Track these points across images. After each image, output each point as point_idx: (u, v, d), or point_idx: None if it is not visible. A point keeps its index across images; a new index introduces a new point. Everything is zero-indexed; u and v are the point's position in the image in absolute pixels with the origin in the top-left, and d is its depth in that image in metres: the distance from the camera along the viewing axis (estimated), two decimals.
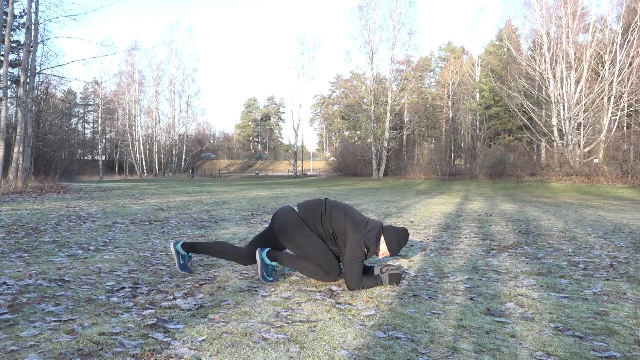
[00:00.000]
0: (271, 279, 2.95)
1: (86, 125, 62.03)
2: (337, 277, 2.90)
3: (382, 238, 2.92)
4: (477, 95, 37.04)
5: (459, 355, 1.83)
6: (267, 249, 2.98)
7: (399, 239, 2.93)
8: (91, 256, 3.70)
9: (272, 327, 2.09)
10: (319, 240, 2.88)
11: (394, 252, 2.95)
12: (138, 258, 3.66)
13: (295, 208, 2.97)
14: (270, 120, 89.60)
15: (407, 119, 45.16)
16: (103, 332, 1.98)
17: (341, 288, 2.82)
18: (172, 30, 61.75)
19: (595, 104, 25.10)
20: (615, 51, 25.03)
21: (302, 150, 53.09)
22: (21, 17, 20.08)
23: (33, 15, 14.60)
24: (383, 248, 2.94)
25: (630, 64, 24.52)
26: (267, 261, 2.95)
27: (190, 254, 3.16)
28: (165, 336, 1.95)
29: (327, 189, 19.20)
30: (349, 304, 2.49)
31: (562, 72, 25.81)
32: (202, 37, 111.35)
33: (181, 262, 3.11)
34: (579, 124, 25.20)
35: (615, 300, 2.63)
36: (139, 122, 49.57)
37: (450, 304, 2.51)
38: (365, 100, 39.33)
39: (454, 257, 3.92)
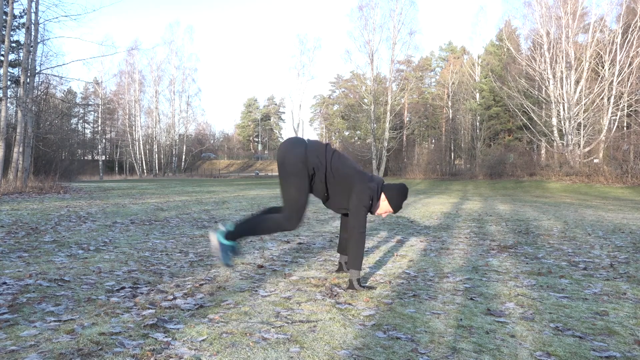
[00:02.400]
0: (231, 263, 2.82)
1: (86, 125, 62.00)
2: (297, 226, 2.79)
3: (382, 195, 2.89)
4: (477, 95, 37.05)
5: (459, 355, 1.83)
6: (222, 231, 2.80)
7: (399, 194, 2.90)
8: (91, 256, 3.70)
9: (272, 327, 2.09)
10: (306, 188, 2.76)
11: (397, 207, 2.92)
12: (138, 258, 3.66)
13: (306, 143, 2.82)
14: (270, 120, 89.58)
15: (407, 119, 45.17)
16: (103, 332, 1.98)
17: (341, 288, 2.82)
18: (172, 30, 61.70)
19: (595, 104, 25.09)
20: (615, 51, 25.03)
21: None
22: (21, 17, 20.07)
23: (33, 15, 14.60)
24: (384, 206, 2.90)
25: (630, 64, 24.52)
26: (227, 242, 2.80)
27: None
28: (165, 336, 1.95)
29: None
30: (349, 304, 2.49)
31: (562, 72, 25.81)
32: (202, 37, 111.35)
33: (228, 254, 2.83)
34: (579, 124, 25.20)
35: (615, 300, 2.63)
36: (139, 122, 49.57)
37: (450, 304, 2.51)
38: (365, 100, 39.33)
39: (454, 257, 3.92)
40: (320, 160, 2.77)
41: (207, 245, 4.33)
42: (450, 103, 39.82)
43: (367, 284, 2.91)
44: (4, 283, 2.76)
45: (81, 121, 58.81)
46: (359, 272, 2.76)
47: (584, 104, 24.97)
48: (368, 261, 3.69)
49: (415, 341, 1.96)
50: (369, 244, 4.57)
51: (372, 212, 2.92)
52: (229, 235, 2.79)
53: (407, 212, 8.13)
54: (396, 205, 2.91)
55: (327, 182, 2.80)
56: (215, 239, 2.79)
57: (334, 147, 2.95)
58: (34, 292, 2.60)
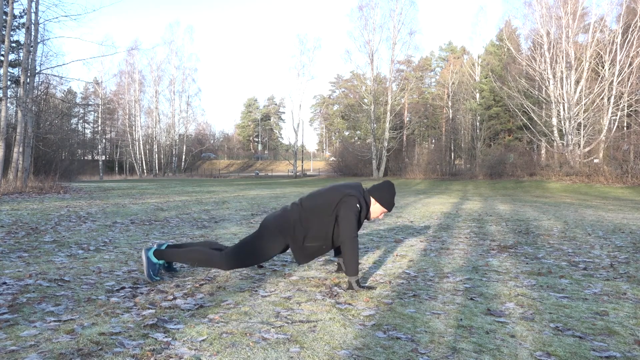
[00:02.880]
0: (158, 278, 2.90)
1: (86, 125, 62.00)
2: (229, 270, 2.89)
3: (371, 199, 2.88)
4: (477, 95, 37.05)
5: (459, 355, 1.83)
6: (153, 248, 2.91)
7: (387, 191, 2.90)
8: (91, 256, 3.70)
9: (272, 327, 2.09)
10: (265, 254, 2.82)
11: (390, 204, 2.92)
12: (138, 258, 3.66)
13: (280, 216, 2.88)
14: (270, 120, 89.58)
15: (407, 119, 45.16)
16: (103, 332, 1.98)
17: (341, 288, 2.82)
18: (172, 30, 61.70)
19: (595, 104, 25.09)
20: (615, 51, 25.03)
21: (302, 150, 53.09)
22: (21, 17, 20.07)
23: (33, 15, 14.60)
24: (376, 209, 2.90)
25: (630, 64, 24.52)
26: (155, 260, 2.89)
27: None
28: (165, 336, 1.95)
29: None
30: (349, 304, 2.49)
31: (562, 72, 25.81)
32: (202, 37, 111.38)
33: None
34: (579, 124, 25.20)
35: (615, 300, 2.63)
36: (139, 122, 49.56)
37: (450, 304, 2.51)
38: (365, 100, 39.33)
39: (454, 257, 3.92)
40: (293, 217, 2.81)
41: None
42: (450, 103, 39.82)
43: (366, 284, 2.91)
44: (4, 283, 2.76)
45: (81, 121, 58.81)
46: (356, 276, 2.75)
47: (584, 104, 24.97)
48: (368, 261, 3.69)
49: (415, 341, 1.96)
50: (369, 244, 4.57)
51: (368, 219, 2.92)
52: (157, 254, 2.89)
53: (407, 213, 8.13)
54: (388, 203, 2.91)
55: (309, 222, 2.77)
56: (144, 254, 2.89)
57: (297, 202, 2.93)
58: (34, 292, 2.60)
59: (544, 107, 27.83)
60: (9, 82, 16.48)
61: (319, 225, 2.77)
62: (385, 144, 35.85)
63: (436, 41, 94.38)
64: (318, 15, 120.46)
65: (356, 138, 52.34)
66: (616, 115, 25.61)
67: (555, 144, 27.03)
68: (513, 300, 2.62)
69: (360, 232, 5.43)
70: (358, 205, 2.77)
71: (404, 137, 41.68)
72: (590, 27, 25.83)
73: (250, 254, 2.83)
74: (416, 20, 66.11)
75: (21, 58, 16.22)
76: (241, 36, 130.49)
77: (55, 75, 22.79)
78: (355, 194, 2.79)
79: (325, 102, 73.33)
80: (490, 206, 10.23)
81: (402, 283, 2.97)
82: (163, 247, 2.94)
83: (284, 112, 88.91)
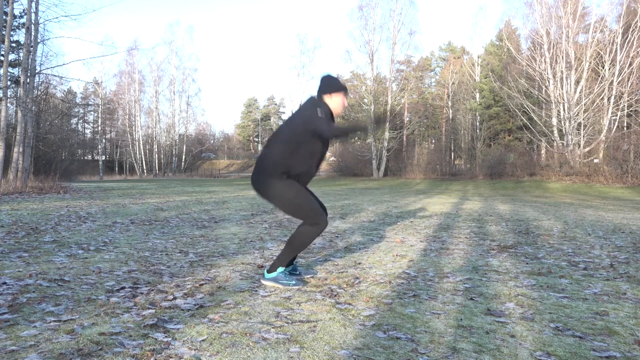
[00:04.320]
0: (294, 282, 2.85)
1: (86, 125, 61.97)
2: (326, 219, 2.86)
3: (324, 97, 2.90)
4: (477, 95, 37.04)
5: (459, 355, 1.83)
6: (265, 271, 2.93)
7: (329, 80, 2.93)
8: (91, 256, 3.70)
9: (272, 327, 2.09)
10: (291, 187, 2.79)
11: (340, 87, 2.92)
12: (138, 258, 3.66)
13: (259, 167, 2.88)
14: (270, 120, 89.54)
15: (407, 119, 45.15)
16: (103, 332, 1.98)
17: (341, 288, 2.82)
18: (172, 30, 61.71)
19: (595, 104, 25.10)
20: (616, 51, 25.03)
21: None
22: (21, 17, 20.07)
23: (33, 15, 14.60)
24: (335, 101, 2.91)
25: (631, 64, 24.52)
26: (273, 275, 2.87)
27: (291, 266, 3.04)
28: (165, 336, 1.95)
29: (327, 189, 19.19)
30: (349, 304, 2.49)
31: (562, 72, 25.81)
32: (202, 37, 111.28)
33: (292, 281, 2.88)
34: (579, 124, 25.20)
35: (615, 300, 2.63)
36: (139, 122, 49.55)
37: (450, 304, 2.51)
38: (365, 100, 39.33)
39: (454, 257, 3.92)
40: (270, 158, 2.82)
41: (207, 245, 4.33)
42: (450, 103, 39.81)
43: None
44: (4, 283, 2.76)
45: (81, 121, 58.80)
46: (364, 126, 2.79)
47: (584, 104, 24.97)
48: (368, 261, 3.69)
49: (415, 341, 1.96)
50: (369, 243, 4.57)
51: (335, 119, 2.93)
52: (270, 269, 2.89)
53: (406, 212, 8.13)
54: (338, 87, 2.91)
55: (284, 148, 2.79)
56: (265, 281, 2.88)
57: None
58: (34, 292, 2.60)
59: (544, 107, 27.83)
60: (9, 82, 16.47)
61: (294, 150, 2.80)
62: (385, 144, 35.85)
63: (436, 41, 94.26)
64: (318, 15, 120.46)
65: (356, 138, 52.31)
66: (616, 115, 25.62)
67: (555, 144, 27.04)
68: (513, 300, 2.62)
69: (360, 232, 5.43)
70: (320, 113, 2.76)
71: (404, 137, 41.67)
72: (590, 27, 25.83)
73: (305, 209, 2.81)
74: (416, 20, 66.02)
75: (21, 58, 16.22)
76: (241, 36, 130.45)
77: (55, 75, 22.79)
78: (314, 109, 2.79)
79: None
80: (490, 206, 10.23)
81: (402, 283, 2.97)
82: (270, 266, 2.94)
83: (284, 112, 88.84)
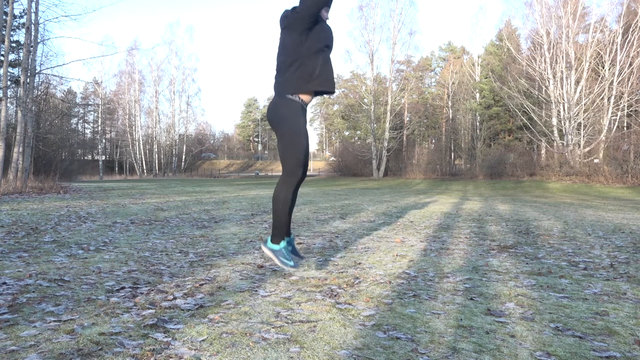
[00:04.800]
0: (292, 263, 2.78)
1: (86, 125, 61.99)
2: (302, 173, 2.79)
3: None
4: (477, 95, 37.06)
5: (459, 355, 1.83)
6: (269, 238, 2.88)
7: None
8: (91, 256, 3.70)
9: (272, 327, 2.09)
10: (296, 124, 2.74)
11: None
12: (138, 258, 3.66)
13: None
14: None
15: (407, 119, 45.14)
16: (103, 332, 1.98)
17: (341, 288, 2.82)
18: (172, 30, 61.87)
19: (595, 104, 25.11)
20: (616, 51, 25.04)
21: None
22: (21, 17, 20.07)
23: (33, 15, 14.60)
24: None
25: (631, 64, 24.53)
26: (276, 247, 2.80)
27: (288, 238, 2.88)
28: (165, 336, 1.95)
29: (327, 189, 19.19)
30: (349, 304, 2.49)
31: (562, 72, 25.82)
32: (202, 37, 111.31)
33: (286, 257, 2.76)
34: (579, 124, 25.21)
35: (616, 300, 2.63)
36: (139, 122, 49.59)
37: (450, 304, 2.51)
38: (365, 100, 39.33)
39: (454, 257, 3.92)
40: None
41: (207, 245, 4.33)
42: (450, 103, 39.83)
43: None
44: (4, 283, 2.76)
45: (81, 121, 58.81)
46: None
47: (584, 104, 24.98)
48: (368, 261, 3.69)
49: (415, 341, 1.96)
50: (369, 243, 4.58)
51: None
52: (273, 239, 2.81)
53: (406, 212, 8.14)
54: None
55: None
56: (265, 248, 2.82)
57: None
58: (34, 292, 2.60)
59: (544, 107, 27.84)
60: (9, 82, 16.47)
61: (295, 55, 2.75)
62: (385, 144, 35.85)
63: (436, 41, 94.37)
64: None
65: (356, 138, 52.34)
66: (616, 115, 25.63)
67: (555, 144, 27.05)
68: (513, 300, 2.62)
69: (360, 232, 5.43)
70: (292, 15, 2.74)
71: (404, 137, 41.68)
72: (590, 27, 25.85)
73: (289, 154, 2.75)
74: (416, 20, 66.13)
75: (21, 58, 16.22)
76: (241, 36, 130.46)
77: (55, 75, 22.79)
78: (285, 15, 2.78)
79: (325, 102, 73.29)
80: (490, 206, 10.23)
81: (402, 283, 2.97)
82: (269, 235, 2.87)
83: None
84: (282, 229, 2.83)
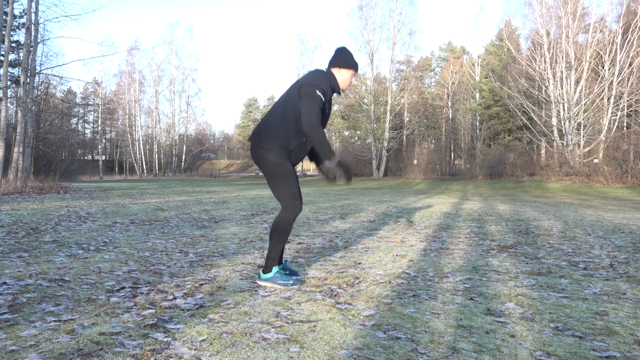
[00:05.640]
0: (292, 281, 2.83)
1: (86, 125, 61.98)
2: (300, 204, 2.82)
3: (333, 70, 2.84)
4: (477, 95, 37.05)
5: (459, 355, 1.83)
6: (260, 271, 2.89)
7: (343, 53, 2.86)
8: (91, 256, 3.70)
9: (272, 327, 2.09)
10: (282, 167, 2.77)
11: (353, 63, 2.85)
12: (138, 258, 3.66)
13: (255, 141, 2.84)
14: None
15: (407, 119, 45.15)
16: (103, 332, 1.98)
17: (341, 288, 2.82)
18: (172, 30, 61.85)
19: (595, 104, 25.11)
20: (615, 51, 25.04)
21: None
22: (21, 17, 20.08)
23: (33, 15, 14.61)
24: (343, 75, 2.85)
25: (630, 64, 24.53)
26: (269, 275, 2.83)
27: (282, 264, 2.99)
28: (165, 336, 1.95)
29: (327, 189, 19.19)
30: (349, 304, 2.49)
31: (562, 72, 25.82)
32: (202, 37, 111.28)
33: (287, 280, 2.85)
34: (579, 124, 25.21)
35: (615, 300, 2.63)
36: (139, 122, 49.58)
37: (450, 304, 2.51)
38: (365, 100, 39.33)
39: (454, 257, 3.92)
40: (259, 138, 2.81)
41: (207, 245, 4.33)
42: (450, 103, 39.83)
43: (343, 162, 2.76)
44: (4, 283, 2.76)
45: (81, 121, 58.80)
46: (335, 157, 2.68)
47: (584, 104, 24.99)
48: (368, 261, 3.69)
49: (415, 341, 1.96)
50: (369, 243, 4.58)
51: (341, 92, 2.88)
52: (265, 270, 2.85)
53: (406, 212, 8.14)
54: (349, 63, 2.85)
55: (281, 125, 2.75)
56: (261, 282, 2.85)
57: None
58: (34, 292, 2.60)
59: (543, 107, 27.84)
60: (9, 82, 16.48)
61: (289, 123, 2.76)
62: (385, 144, 35.85)
63: (436, 41, 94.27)
64: (318, 15, 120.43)
65: (356, 138, 52.33)
66: (616, 115, 25.63)
67: (555, 144, 27.06)
68: (513, 300, 2.62)
69: (360, 232, 5.43)
70: (319, 92, 2.69)
71: (404, 137, 41.68)
72: (590, 27, 25.85)
73: (284, 192, 2.81)
74: (416, 20, 66.13)
75: (21, 58, 16.22)
76: (241, 36, 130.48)
77: (55, 75, 22.79)
78: (315, 82, 2.72)
79: None
80: (490, 206, 10.23)
81: (402, 283, 2.97)
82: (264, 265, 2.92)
83: None
84: (275, 260, 2.87)
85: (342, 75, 2.85)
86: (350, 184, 3.41)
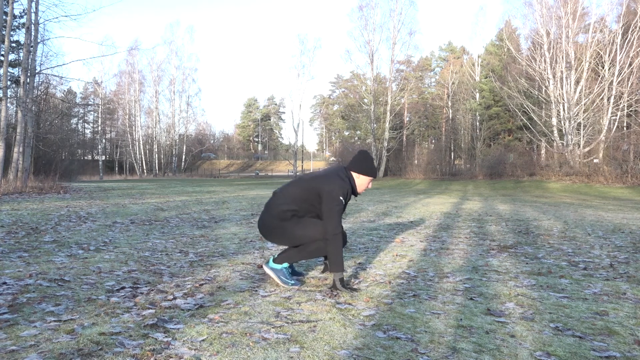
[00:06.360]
0: (293, 282, 2.85)
1: (86, 125, 61.96)
2: (338, 228, 2.80)
3: (353, 175, 2.89)
4: (477, 95, 37.05)
5: (459, 355, 1.83)
6: (271, 258, 2.91)
7: (364, 160, 2.91)
8: (91, 256, 3.70)
9: (272, 327, 2.09)
10: (302, 220, 2.81)
11: (372, 171, 2.91)
12: (138, 258, 3.66)
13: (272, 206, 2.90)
14: (270, 120, 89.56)
15: (407, 119, 45.13)
16: (103, 332, 1.98)
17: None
18: (172, 30, 61.71)
19: (595, 104, 25.09)
20: (615, 51, 25.03)
21: (302, 150, 53.08)
22: (21, 17, 20.07)
23: (33, 15, 14.61)
24: (361, 180, 2.91)
25: (630, 64, 24.52)
26: (278, 266, 2.86)
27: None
28: (165, 336, 1.95)
29: None
30: (349, 304, 2.49)
31: (562, 72, 25.81)
32: (202, 37, 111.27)
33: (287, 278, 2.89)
34: (579, 124, 25.20)
35: (615, 300, 2.63)
36: (139, 122, 49.54)
37: (450, 304, 2.51)
38: (365, 100, 39.32)
39: (454, 257, 3.92)
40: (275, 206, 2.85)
41: (207, 245, 4.33)
42: (450, 103, 39.82)
43: (350, 285, 2.84)
44: (4, 283, 2.76)
45: (81, 121, 58.80)
46: (342, 273, 2.74)
47: (584, 104, 24.97)
48: (368, 261, 3.69)
49: (415, 341, 1.96)
50: (369, 243, 4.57)
51: (356, 194, 2.93)
52: (276, 260, 2.88)
53: (407, 213, 8.13)
54: (370, 170, 2.91)
55: (294, 207, 2.80)
56: (266, 268, 2.88)
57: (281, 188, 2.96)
58: (34, 292, 2.60)
59: (544, 107, 27.82)
60: (9, 82, 16.48)
61: (308, 206, 2.82)
62: (385, 144, 35.84)
63: (436, 41, 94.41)
64: (318, 15, 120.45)
65: (356, 138, 52.31)
66: (616, 115, 25.61)
67: (555, 144, 27.04)
68: (513, 300, 2.62)
69: (360, 232, 5.43)
70: (341, 197, 2.75)
71: (404, 137, 41.67)
72: (590, 27, 25.84)
73: (306, 237, 2.82)
74: (416, 20, 66.09)
75: (21, 58, 16.23)
76: (241, 36, 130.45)
77: (55, 75, 22.77)
78: (336, 187, 2.76)
79: (325, 102, 73.31)
80: (490, 206, 10.23)
81: (402, 283, 2.97)
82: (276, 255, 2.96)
83: (284, 112, 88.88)
84: (291, 260, 2.90)
85: (360, 180, 2.92)
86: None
